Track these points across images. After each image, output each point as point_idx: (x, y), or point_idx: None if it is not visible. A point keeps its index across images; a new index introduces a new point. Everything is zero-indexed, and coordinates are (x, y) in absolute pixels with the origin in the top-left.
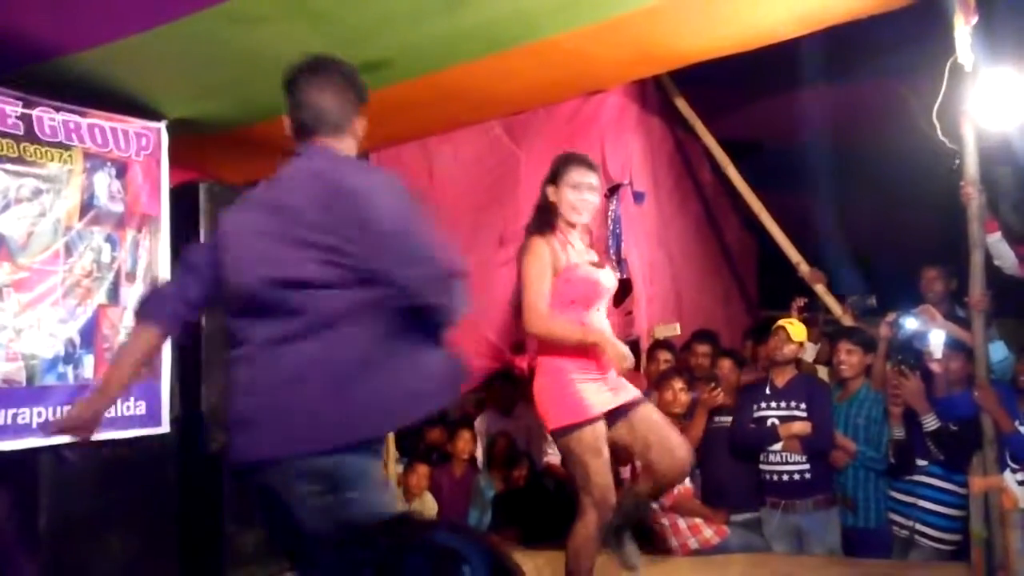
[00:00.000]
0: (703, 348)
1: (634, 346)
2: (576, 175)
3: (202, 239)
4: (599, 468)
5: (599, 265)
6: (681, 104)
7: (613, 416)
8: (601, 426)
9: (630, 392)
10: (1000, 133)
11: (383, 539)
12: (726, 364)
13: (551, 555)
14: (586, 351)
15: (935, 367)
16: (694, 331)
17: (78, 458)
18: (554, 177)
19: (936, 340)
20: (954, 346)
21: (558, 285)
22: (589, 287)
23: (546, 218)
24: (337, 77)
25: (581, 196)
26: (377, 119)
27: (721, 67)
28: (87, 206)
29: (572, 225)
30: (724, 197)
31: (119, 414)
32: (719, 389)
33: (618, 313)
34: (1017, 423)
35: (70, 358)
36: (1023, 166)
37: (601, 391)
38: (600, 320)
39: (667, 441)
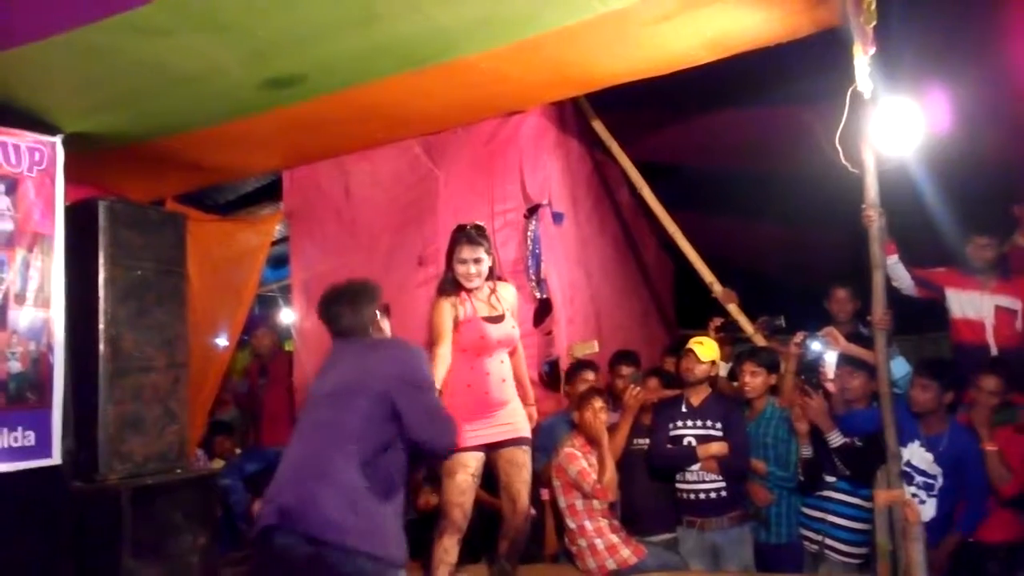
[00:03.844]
0: (627, 369)
1: (554, 366)
2: (461, 253)
3: (101, 259)
4: (450, 488)
5: (495, 319)
6: (598, 126)
7: (493, 448)
8: (466, 456)
9: (511, 431)
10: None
11: None
12: (652, 382)
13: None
14: (471, 390)
15: (830, 386)
16: (615, 352)
17: None
18: (449, 254)
19: (829, 360)
20: (856, 363)
21: (455, 335)
22: (474, 338)
23: (450, 282)
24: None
25: (468, 269)
26: (292, 136)
27: (636, 91)
28: None
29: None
30: (642, 218)
31: (4, 446)
32: (639, 388)
33: (538, 333)
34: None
35: None
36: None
37: (477, 426)
38: (496, 367)
39: (511, 488)
